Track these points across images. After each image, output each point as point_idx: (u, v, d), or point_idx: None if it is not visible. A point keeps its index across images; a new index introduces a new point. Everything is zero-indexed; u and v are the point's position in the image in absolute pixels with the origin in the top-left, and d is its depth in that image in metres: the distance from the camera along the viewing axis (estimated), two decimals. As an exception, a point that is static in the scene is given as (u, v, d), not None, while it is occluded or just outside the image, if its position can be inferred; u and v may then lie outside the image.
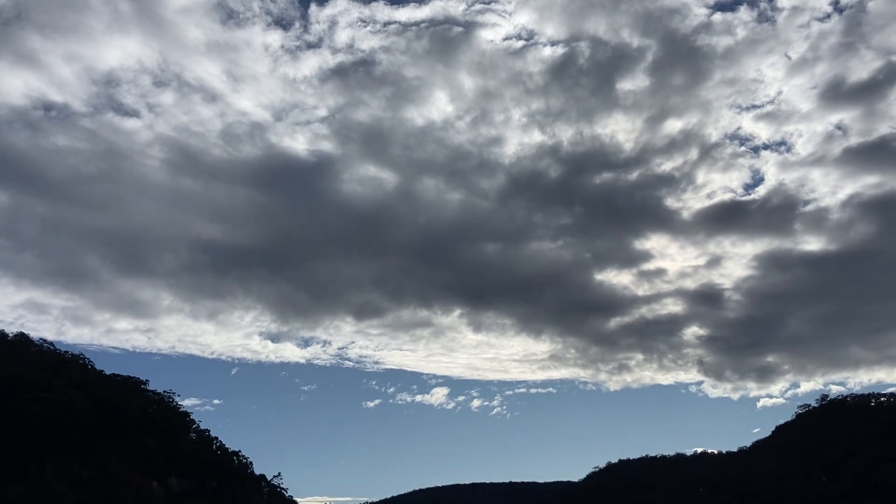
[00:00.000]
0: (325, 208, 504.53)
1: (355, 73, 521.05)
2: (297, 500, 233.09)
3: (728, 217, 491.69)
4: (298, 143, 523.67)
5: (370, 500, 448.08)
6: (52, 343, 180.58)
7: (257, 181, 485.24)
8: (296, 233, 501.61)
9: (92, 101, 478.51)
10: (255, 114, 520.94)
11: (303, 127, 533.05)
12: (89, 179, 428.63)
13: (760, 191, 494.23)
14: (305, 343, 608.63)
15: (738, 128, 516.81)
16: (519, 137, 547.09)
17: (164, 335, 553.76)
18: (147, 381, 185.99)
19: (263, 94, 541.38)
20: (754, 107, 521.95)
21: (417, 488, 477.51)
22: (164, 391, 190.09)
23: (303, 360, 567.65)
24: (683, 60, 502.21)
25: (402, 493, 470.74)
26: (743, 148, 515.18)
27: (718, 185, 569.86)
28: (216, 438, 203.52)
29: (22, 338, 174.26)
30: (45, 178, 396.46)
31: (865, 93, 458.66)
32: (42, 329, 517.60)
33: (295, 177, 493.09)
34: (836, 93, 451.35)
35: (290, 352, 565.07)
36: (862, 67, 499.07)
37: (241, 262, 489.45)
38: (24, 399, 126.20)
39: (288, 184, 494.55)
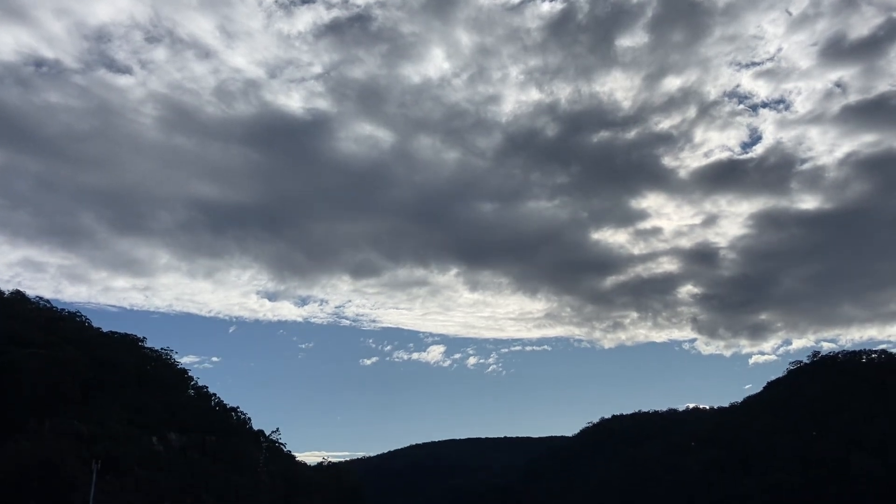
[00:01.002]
0: (321, 167, 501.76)
1: (350, 29, 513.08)
2: (296, 455, 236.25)
3: (725, 176, 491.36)
4: (293, 101, 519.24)
5: (367, 455, 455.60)
6: (48, 301, 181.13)
7: (252, 139, 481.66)
8: (292, 192, 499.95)
9: (83, 58, 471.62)
10: (248, 71, 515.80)
11: (297, 84, 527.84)
12: (83, 137, 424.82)
13: (758, 149, 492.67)
14: (302, 302, 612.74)
15: (737, 85, 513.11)
16: (516, 95, 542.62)
17: (162, 293, 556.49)
18: (144, 338, 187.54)
19: (257, 50, 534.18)
20: (754, 64, 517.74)
21: (414, 443, 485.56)
22: (162, 348, 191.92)
23: (300, 319, 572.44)
24: (683, 16, 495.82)
25: (399, 448, 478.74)
26: (741, 106, 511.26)
27: (716, 143, 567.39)
28: (214, 395, 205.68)
29: (18, 295, 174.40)
30: (38, 135, 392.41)
31: (866, 50, 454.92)
32: (39, 287, 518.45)
33: (290, 135, 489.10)
34: (836, 50, 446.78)
35: (288, 310, 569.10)
36: (863, 24, 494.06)
37: (237, 220, 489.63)
38: (22, 356, 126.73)
39: (283, 142, 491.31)
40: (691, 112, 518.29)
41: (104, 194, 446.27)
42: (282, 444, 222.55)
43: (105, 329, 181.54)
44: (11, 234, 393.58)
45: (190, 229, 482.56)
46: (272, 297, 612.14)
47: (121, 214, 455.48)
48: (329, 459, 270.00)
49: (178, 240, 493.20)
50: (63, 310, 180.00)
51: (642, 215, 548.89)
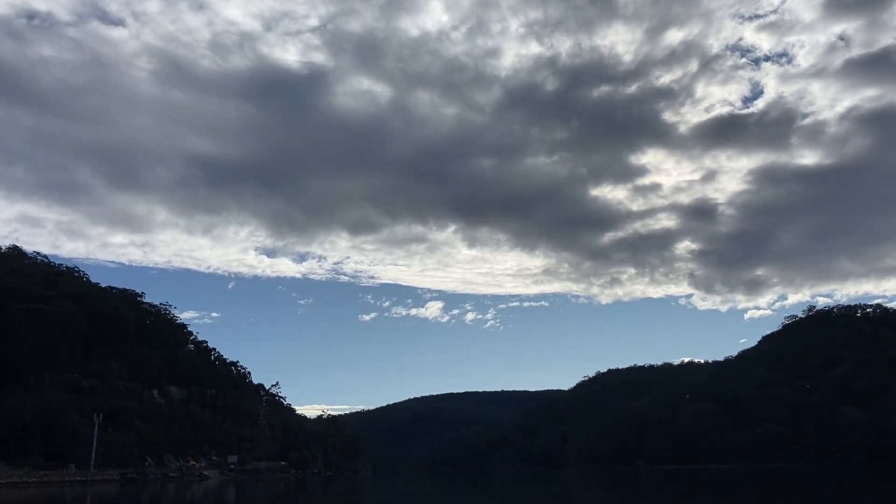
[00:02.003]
0: (318, 122, 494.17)
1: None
2: (296, 408, 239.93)
3: (725, 131, 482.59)
4: (289, 55, 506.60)
5: (367, 409, 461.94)
6: (45, 256, 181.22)
7: (248, 94, 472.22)
8: (289, 147, 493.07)
9: (76, 10, 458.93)
10: (244, 23, 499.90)
11: (293, 37, 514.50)
12: (77, 91, 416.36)
13: (759, 104, 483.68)
14: (301, 258, 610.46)
15: (740, 38, 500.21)
16: (516, 49, 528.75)
17: (160, 249, 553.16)
18: (143, 293, 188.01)
19: (252, 2, 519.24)
20: (757, 16, 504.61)
21: (412, 397, 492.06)
22: (161, 303, 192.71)
23: (299, 275, 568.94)
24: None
25: (398, 401, 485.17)
26: (744, 60, 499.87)
27: (717, 98, 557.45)
28: (214, 349, 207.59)
29: (15, 250, 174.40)
30: (32, 89, 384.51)
31: (870, 2, 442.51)
32: (37, 243, 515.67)
33: (287, 89, 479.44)
34: (840, 2, 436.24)
35: (286, 266, 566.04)
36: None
37: (234, 176, 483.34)
38: (21, 310, 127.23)
39: (280, 97, 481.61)
40: (693, 66, 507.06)
41: (100, 149, 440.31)
42: (282, 397, 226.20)
43: (104, 284, 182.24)
44: (8, 189, 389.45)
45: (187, 185, 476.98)
46: (270, 253, 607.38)
47: (117, 170, 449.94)
48: (329, 412, 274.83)
49: (176, 196, 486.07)
50: (61, 265, 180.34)
51: (641, 171, 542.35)
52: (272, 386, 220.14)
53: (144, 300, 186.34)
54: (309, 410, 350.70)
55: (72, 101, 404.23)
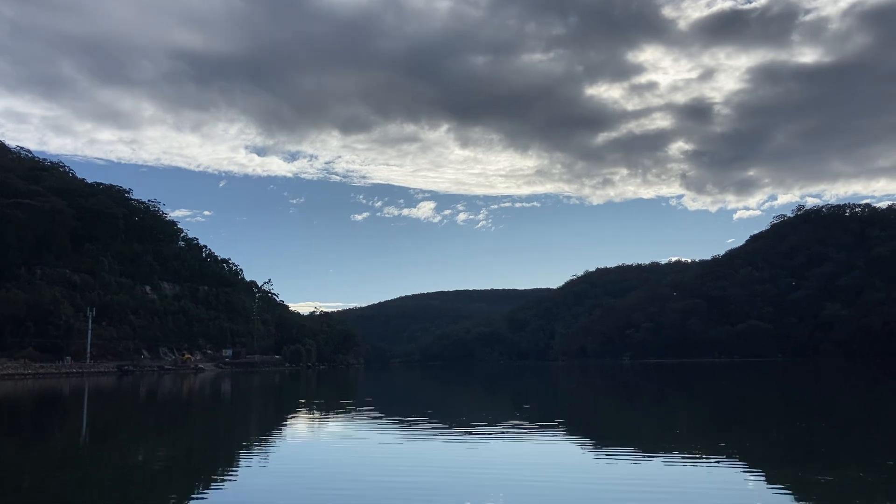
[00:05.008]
0: (307, 15, 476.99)
1: None
2: (289, 305, 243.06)
3: (726, 27, 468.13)
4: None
5: (359, 306, 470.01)
6: (29, 150, 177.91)
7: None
8: (277, 41, 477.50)
9: None
10: None
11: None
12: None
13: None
14: (292, 157, 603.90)
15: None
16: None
17: (149, 147, 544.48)
18: (130, 189, 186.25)
19: None
20: None
21: (404, 295, 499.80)
22: (150, 200, 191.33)
23: (290, 174, 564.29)
24: None
25: (390, 299, 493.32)
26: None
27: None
28: (205, 247, 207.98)
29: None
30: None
31: None
32: (24, 139, 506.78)
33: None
34: None
35: (277, 165, 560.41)
36: None
37: (222, 72, 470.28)
38: (5, 205, 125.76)
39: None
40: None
41: (83, 42, 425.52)
42: (275, 294, 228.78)
43: (90, 181, 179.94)
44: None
45: (174, 80, 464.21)
46: (261, 151, 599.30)
47: (101, 63, 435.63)
48: (322, 309, 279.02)
49: (163, 91, 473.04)
50: (45, 160, 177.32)
51: (638, 69, 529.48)
52: (265, 283, 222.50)
53: (132, 197, 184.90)
54: (302, 307, 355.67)
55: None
